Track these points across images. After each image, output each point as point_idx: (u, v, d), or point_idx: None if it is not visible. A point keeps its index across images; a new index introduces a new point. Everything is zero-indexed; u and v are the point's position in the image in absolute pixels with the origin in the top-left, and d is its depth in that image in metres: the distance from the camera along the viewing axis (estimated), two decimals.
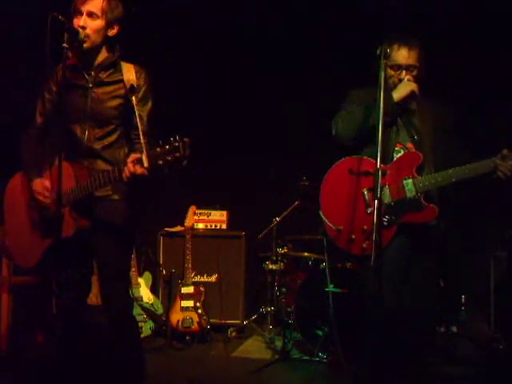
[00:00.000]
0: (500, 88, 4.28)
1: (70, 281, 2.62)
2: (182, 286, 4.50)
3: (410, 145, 2.77)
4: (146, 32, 4.80)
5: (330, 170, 2.83)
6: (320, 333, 3.86)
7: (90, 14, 2.50)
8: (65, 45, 2.41)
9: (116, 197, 2.62)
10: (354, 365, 3.24)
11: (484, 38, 4.36)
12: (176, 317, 4.39)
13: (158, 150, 2.23)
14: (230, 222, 5.02)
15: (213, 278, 4.82)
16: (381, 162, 2.38)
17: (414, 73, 2.76)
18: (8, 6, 4.37)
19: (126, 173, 2.34)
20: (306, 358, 3.91)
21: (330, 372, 3.68)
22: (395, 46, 2.71)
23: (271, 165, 5.02)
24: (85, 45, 2.51)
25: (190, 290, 4.50)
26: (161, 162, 2.23)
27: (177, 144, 2.20)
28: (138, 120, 2.42)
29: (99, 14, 2.51)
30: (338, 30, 4.75)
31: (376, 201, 2.31)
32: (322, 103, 3.16)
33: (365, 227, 2.73)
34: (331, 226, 2.76)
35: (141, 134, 2.39)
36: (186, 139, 2.21)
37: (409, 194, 2.66)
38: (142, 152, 2.30)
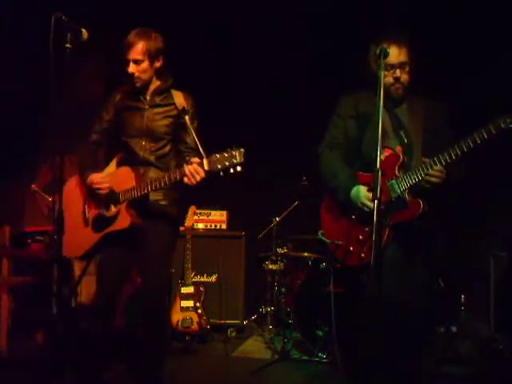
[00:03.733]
0: (494, 87, 4.28)
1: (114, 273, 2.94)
2: (182, 286, 4.50)
3: (399, 148, 2.80)
4: None
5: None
6: (320, 333, 3.87)
7: (135, 61, 2.88)
8: (68, 45, 2.54)
9: (164, 202, 2.99)
10: (352, 365, 3.25)
11: (478, 38, 4.38)
12: (176, 317, 4.39)
13: (218, 156, 2.59)
14: (230, 221, 5.02)
15: (213, 278, 4.82)
16: (375, 164, 2.40)
17: (407, 69, 2.78)
18: (9, 5, 4.38)
19: (191, 171, 2.66)
20: (306, 358, 3.91)
21: (329, 372, 3.68)
22: (385, 46, 2.70)
23: (271, 165, 5.02)
24: (138, 84, 2.93)
25: (190, 289, 4.49)
26: (219, 167, 2.59)
27: (234, 153, 2.56)
28: (194, 136, 2.82)
29: (142, 58, 2.88)
30: (337, 30, 4.75)
31: (375, 201, 2.32)
32: (322, 103, 3.16)
33: (360, 237, 2.76)
34: (329, 242, 2.90)
35: (199, 144, 2.75)
36: (242, 149, 2.57)
37: (394, 194, 2.71)
38: (201, 158, 2.66)
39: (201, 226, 4.99)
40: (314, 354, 3.85)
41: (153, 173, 2.95)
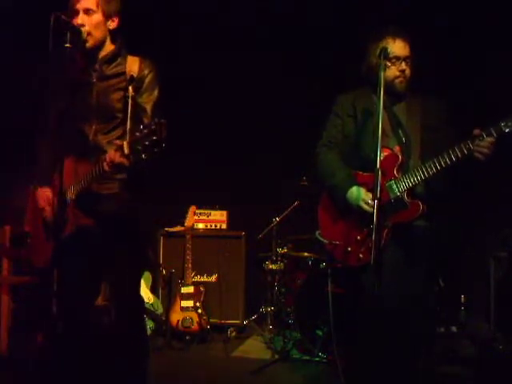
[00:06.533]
0: (494, 85, 4.28)
1: (75, 281, 2.60)
2: (182, 286, 4.50)
3: (397, 148, 2.78)
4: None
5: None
6: (320, 333, 3.86)
7: (86, 11, 2.48)
8: (67, 45, 2.43)
9: (124, 194, 2.57)
10: (352, 365, 3.24)
11: (476, 36, 4.38)
12: (176, 317, 4.39)
13: (138, 134, 2.18)
14: (230, 221, 5.02)
15: (213, 278, 4.82)
16: (375, 164, 2.40)
17: (410, 63, 2.78)
18: (10, 5, 4.38)
19: (107, 161, 2.30)
20: (306, 357, 3.91)
21: (329, 372, 3.67)
22: (390, 40, 2.72)
23: (271, 165, 5.02)
24: (88, 44, 2.51)
25: (190, 290, 4.50)
26: (139, 148, 2.17)
27: (153, 127, 2.14)
28: (129, 109, 2.38)
29: (95, 8, 2.48)
30: (336, 30, 4.75)
31: (375, 201, 2.32)
32: (322, 103, 3.15)
33: (358, 237, 2.76)
34: (327, 242, 2.87)
35: (128, 120, 2.36)
36: (162, 120, 2.15)
37: (392, 195, 2.68)
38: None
39: (201, 225, 4.99)
40: (314, 353, 3.85)
41: None
